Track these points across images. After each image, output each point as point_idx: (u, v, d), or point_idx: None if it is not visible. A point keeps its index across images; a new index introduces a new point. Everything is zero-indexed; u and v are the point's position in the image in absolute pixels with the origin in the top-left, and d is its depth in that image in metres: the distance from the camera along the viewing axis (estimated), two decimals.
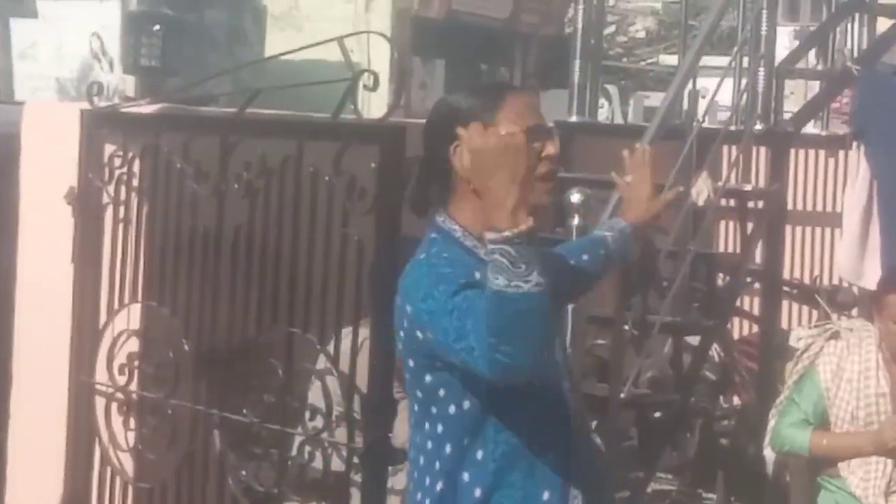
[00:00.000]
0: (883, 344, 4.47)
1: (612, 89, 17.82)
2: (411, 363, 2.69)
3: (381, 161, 3.59)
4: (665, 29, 19.65)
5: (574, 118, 6.37)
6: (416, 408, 2.72)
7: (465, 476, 2.64)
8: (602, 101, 18.04)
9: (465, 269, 2.62)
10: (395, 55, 7.90)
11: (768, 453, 4.80)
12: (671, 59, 15.03)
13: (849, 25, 6.83)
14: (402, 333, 2.69)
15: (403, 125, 3.93)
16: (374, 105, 4.52)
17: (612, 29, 19.81)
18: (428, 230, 2.76)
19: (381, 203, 3.59)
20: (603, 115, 17.85)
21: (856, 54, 6.50)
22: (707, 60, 6.21)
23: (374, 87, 3.70)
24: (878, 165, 5.36)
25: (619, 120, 17.66)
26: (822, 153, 6.71)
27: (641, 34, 21.23)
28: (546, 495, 2.66)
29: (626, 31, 20.77)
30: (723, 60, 6.09)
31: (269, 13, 14.05)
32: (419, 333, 2.62)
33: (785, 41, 9.96)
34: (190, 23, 11.01)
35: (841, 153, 5.93)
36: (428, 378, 2.67)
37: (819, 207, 6.70)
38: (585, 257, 3.18)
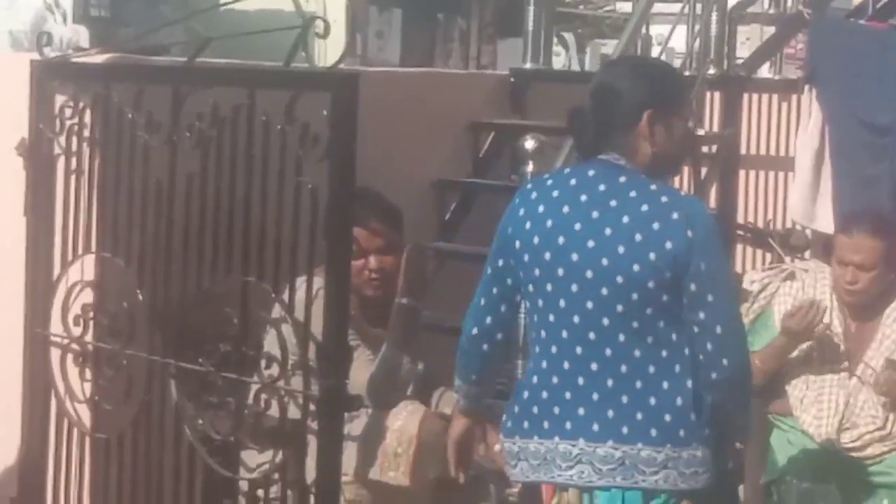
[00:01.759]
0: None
1: (569, 37, 17.81)
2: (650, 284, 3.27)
3: (333, 108, 3.58)
4: None
5: (528, 65, 6.37)
6: (634, 325, 3.29)
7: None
8: (559, 49, 18.04)
9: None
10: (347, 3, 7.87)
11: None
12: (627, 6, 15.03)
13: None
14: (652, 256, 3.27)
15: (356, 72, 3.93)
16: (331, 54, 4.50)
17: None
18: (626, 171, 3.39)
19: (334, 151, 3.58)
20: (560, 62, 17.85)
21: None
22: (661, 7, 6.22)
23: (326, 35, 3.69)
24: (830, 109, 5.39)
25: (575, 67, 17.65)
26: (774, 98, 6.74)
27: None
28: None
29: None
30: (676, 7, 6.09)
31: None
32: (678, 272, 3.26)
33: None
34: None
35: (794, 97, 5.96)
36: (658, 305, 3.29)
37: (772, 151, 6.73)
38: None
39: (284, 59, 3.73)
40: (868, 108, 5.27)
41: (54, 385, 4.24)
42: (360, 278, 4.18)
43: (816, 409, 4.53)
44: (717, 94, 5.96)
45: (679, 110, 3.45)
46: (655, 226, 3.27)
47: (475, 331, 3.57)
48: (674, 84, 3.52)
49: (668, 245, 3.25)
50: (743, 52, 6.82)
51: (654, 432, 3.27)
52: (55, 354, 4.23)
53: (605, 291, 3.29)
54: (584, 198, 3.36)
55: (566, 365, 3.35)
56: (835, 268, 4.55)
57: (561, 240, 3.36)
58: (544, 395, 3.39)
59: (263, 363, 3.75)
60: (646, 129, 3.38)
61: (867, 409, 4.50)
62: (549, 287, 3.37)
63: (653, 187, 3.34)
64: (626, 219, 3.29)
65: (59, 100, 4.23)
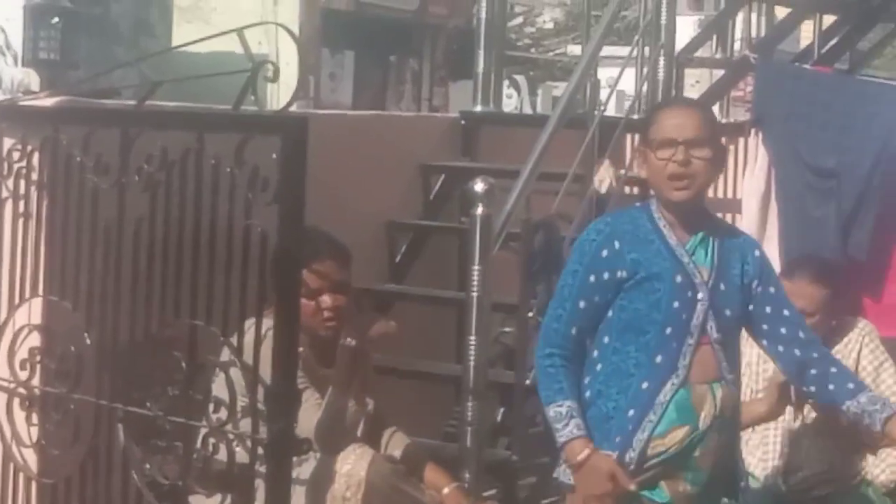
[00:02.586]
0: None
1: (521, 80, 17.92)
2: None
3: (282, 151, 3.58)
4: (573, 19, 19.79)
5: (479, 108, 6.42)
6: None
7: None
8: (511, 91, 18.15)
9: None
10: (298, 47, 7.90)
11: None
12: (578, 50, 15.13)
13: (748, 14, 6.93)
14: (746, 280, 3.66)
15: (305, 115, 3.95)
16: (283, 96, 4.52)
17: (519, 20, 19.91)
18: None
19: (283, 193, 3.58)
20: (512, 105, 17.96)
21: (754, 42, 6.60)
22: (611, 50, 6.29)
23: (275, 79, 3.70)
24: (776, 153, 5.46)
25: (528, 110, 17.77)
26: (722, 141, 6.79)
27: (549, 25, 21.35)
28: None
29: (534, 22, 20.89)
30: (626, 50, 6.15)
31: (176, 5, 13.96)
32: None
33: (690, 30, 10.08)
34: (95, 15, 10.91)
35: (741, 140, 6.02)
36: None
37: (720, 194, 6.79)
38: None
39: (234, 102, 3.73)
40: (814, 151, 5.34)
41: (1, 429, 4.20)
42: (313, 319, 4.18)
43: (762, 452, 4.56)
44: None
45: (651, 140, 3.62)
46: None
47: None
48: (647, 119, 3.80)
49: None
50: (693, 94, 6.89)
51: None
52: (1, 399, 4.18)
53: None
54: None
55: None
56: None
57: None
58: None
59: (212, 407, 3.72)
60: (638, 166, 3.78)
61: (813, 453, 4.53)
62: None
63: None
64: None
65: (7, 143, 4.21)
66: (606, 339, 3.63)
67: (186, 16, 14.01)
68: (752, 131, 5.59)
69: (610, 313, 3.63)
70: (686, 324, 3.57)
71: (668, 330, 3.57)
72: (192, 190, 3.75)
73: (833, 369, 3.70)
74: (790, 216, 5.36)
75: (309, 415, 4.03)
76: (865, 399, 3.63)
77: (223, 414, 3.69)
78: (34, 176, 4.16)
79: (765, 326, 3.69)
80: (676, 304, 3.56)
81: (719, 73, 7.34)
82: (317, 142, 3.67)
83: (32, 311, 4.16)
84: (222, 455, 3.68)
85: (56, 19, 8.49)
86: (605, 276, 3.61)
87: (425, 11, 17.11)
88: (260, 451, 3.62)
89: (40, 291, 4.16)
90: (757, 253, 3.73)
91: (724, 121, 7.11)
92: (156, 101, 4.10)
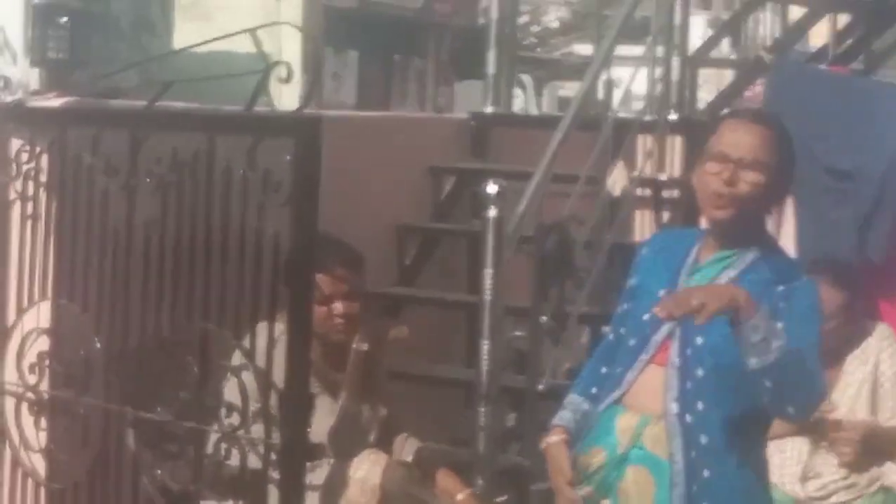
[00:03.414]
0: None
1: (527, 79, 17.89)
2: None
3: (295, 153, 3.54)
4: (578, 19, 19.74)
5: (489, 109, 6.38)
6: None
7: None
8: (517, 91, 18.11)
9: None
10: (309, 46, 7.84)
11: None
12: (585, 49, 15.10)
13: (761, 14, 6.89)
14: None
15: (319, 116, 3.89)
16: (284, 96, 4.47)
17: (525, 19, 19.88)
18: None
19: (296, 196, 3.54)
20: (518, 105, 17.91)
21: (768, 43, 6.56)
22: (622, 50, 6.23)
23: (289, 79, 3.66)
24: None
25: (533, 110, 17.73)
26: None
27: (555, 24, 21.32)
28: None
29: (540, 21, 20.85)
30: (637, 50, 6.10)
31: (177, 2, 13.90)
32: None
33: (700, 29, 10.03)
34: (96, 13, 10.86)
35: None
36: None
37: None
38: None
39: (244, 102, 3.69)
40: (829, 153, 5.28)
41: (9, 434, 4.15)
42: (326, 325, 4.14)
43: (779, 459, 4.51)
44: (678, 139, 5.97)
45: (705, 149, 3.33)
46: None
47: None
48: (710, 127, 3.44)
49: None
50: (701, 94, 6.85)
51: None
52: (10, 403, 4.15)
53: None
54: None
55: None
56: None
57: None
58: None
59: (224, 412, 3.68)
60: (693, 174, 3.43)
61: (831, 458, 4.49)
62: None
63: None
64: None
65: (15, 144, 4.17)
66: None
67: (188, 13, 13.96)
68: None
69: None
70: (647, 338, 3.29)
71: (632, 342, 3.32)
72: (204, 192, 3.71)
73: None
74: (806, 219, 5.30)
75: (322, 420, 4.00)
76: None
77: (235, 419, 3.65)
78: (42, 177, 4.12)
79: None
80: (646, 317, 3.28)
81: (728, 73, 7.29)
82: (326, 144, 3.62)
83: (41, 315, 4.12)
84: (234, 460, 3.64)
85: (65, 18, 8.45)
86: (634, 282, 3.44)
87: (430, 10, 17.05)
88: (273, 456, 3.58)
89: (49, 294, 4.11)
90: (781, 288, 3.19)
91: None
92: (163, 101, 4.05)
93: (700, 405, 3.20)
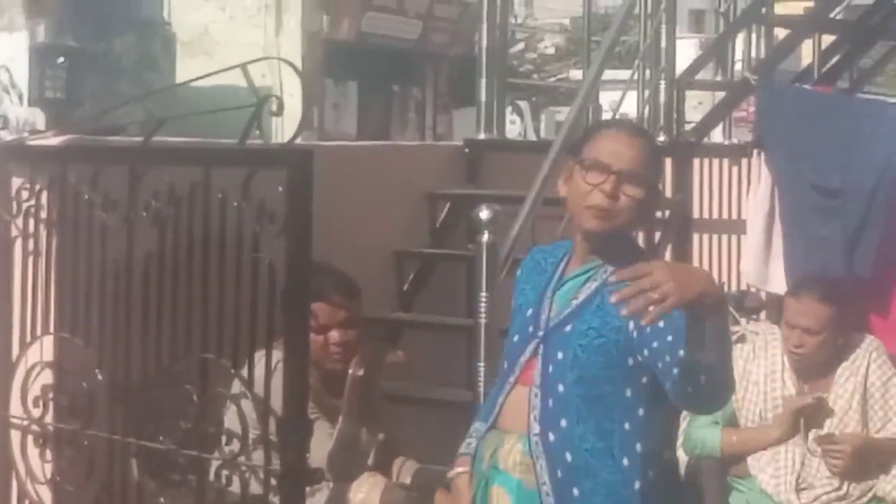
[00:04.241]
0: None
1: (524, 105, 17.99)
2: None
3: (288, 184, 3.62)
4: (574, 44, 19.86)
5: (482, 135, 6.45)
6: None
7: None
8: (514, 117, 18.21)
9: None
10: (301, 80, 7.92)
11: (681, 455, 4.89)
12: (580, 74, 15.18)
13: (747, 36, 6.97)
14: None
15: (310, 147, 3.97)
16: (287, 129, 4.56)
17: (521, 46, 19.99)
18: None
19: (291, 226, 3.62)
20: (516, 130, 18.02)
21: (754, 64, 6.64)
22: (612, 74, 6.32)
23: (280, 113, 3.75)
24: (779, 172, 5.48)
25: (531, 135, 17.81)
26: (725, 162, 6.84)
27: (551, 50, 21.43)
28: None
29: (536, 48, 20.96)
30: (627, 74, 6.19)
31: (179, 40, 14.02)
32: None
33: (690, 53, 10.11)
34: (99, 51, 10.94)
35: (743, 161, 6.05)
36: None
37: (724, 215, 6.81)
38: None
39: (239, 136, 3.77)
40: (817, 170, 5.35)
41: (15, 467, 4.22)
42: (322, 353, 4.21)
43: (773, 469, 4.58)
44: (667, 160, 6.03)
45: (576, 161, 3.16)
46: None
47: None
48: (583, 135, 3.32)
49: None
50: (696, 116, 6.93)
51: None
52: (15, 436, 4.21)
53: None
54: None
55: None
56: (783, 329, 4.62)
57: None
58: None
59: (224, 439, 3.75)
60: (560, 183, 3.24)
61: (824, 470, 4.54)
62: None
63: None
64: None
65: (16, 182, 4.25)
66: None
67: (190, 50, 14.07)
68: (755, 152, 5.61)
69: None
70: (517, 360, 3.20)
71: (505, 364, 3.24)
72: (200, 224, 3.79)
73: None
74: (795, 236, 5.37)
75: (321, 444, 4.05)
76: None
77: (235, 446, 3.72)
78: (43, 214, 4.19)
79: (659, 365, 3.01)
80: (516, 338, 3.22)
81: (721, 94, 7.37)
82: (323, 173, 3.70)
83: (44, 349, 4.19)
84: (236, 487, 3.70)
85: (62, 59, 8.55)
86: (513, 305, 3.32)
87: (426, 40, 17.17)
88: (273, 481, 3.65)
89: (52, 328, 4.19)
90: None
91: (727, 142, 7.16)
92: (162, 137, 4.14)
93: (563, 422, 3.10)
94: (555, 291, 3.20)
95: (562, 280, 3.21)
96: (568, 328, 3.13)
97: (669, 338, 2.97)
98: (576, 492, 3.09)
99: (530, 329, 3.18)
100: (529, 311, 3.21)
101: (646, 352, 3.03)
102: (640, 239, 5.64)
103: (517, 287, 3.33)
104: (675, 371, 2.94)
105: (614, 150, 3.12)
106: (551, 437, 3.10)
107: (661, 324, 2.95)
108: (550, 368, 3.13)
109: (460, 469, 3.34)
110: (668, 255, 5.79)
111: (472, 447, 3.30)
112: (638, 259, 3.03)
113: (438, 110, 17.49)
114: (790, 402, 4.52)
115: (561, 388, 3.11)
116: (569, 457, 3.09)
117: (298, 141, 3.95)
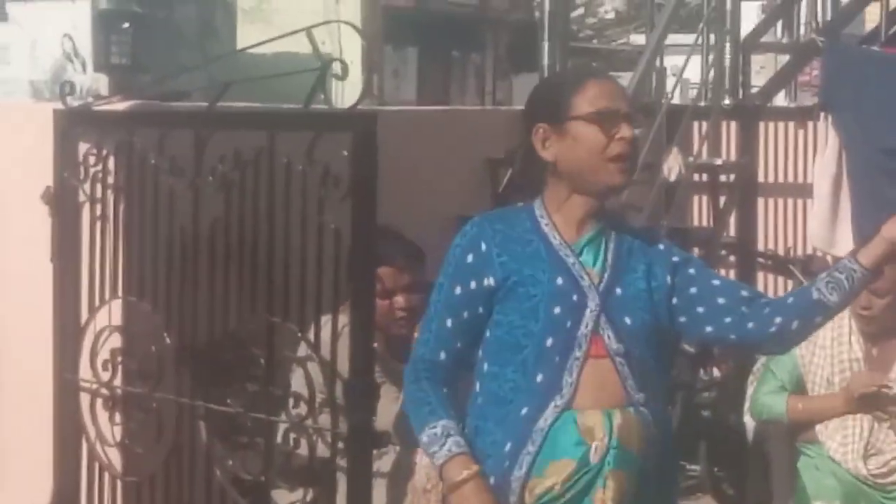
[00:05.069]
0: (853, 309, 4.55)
1: None
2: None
3: (353, 148, 3.62)
4: (633, 9, 19.71)
5: None
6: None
7: None
8: None
9: None
10: (363, 45, 7.94)
11: (748, 421, 4.87)
12: (641, 39, 15.07)
13: None
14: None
15: (375, 112, 3.98)
16: (347, 94, 4.56)
17: (580, 11, 19.88)
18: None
19: (355, 190, 3.62)
20: None
21: (821, 26, 6.56)
22: (675, 38, 6.27)
23: (344, 77, 3.74)
24: (846, 135, 5.43)
25: None
26: (790, 125, 6.77)
27: (611, 15, 21.30)
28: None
29: (595, 13, 20.84)
30: (691, 38, 6.13)
31: (239, 7, 14.06)
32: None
33: (753, 16, 10.01)
34: (160, 19, 11.02)
35: (809, 124, 5.99)
36: None
37: (790, 178, 6.75)
38: None
39: (303, 100, 3.78)
40: (884, 132, 5.30)
41: (85, 430, 4.27)
42: (387, 318, 4.21)
43: (841, 436, 4.54)
44: (732, 124, 5.99)
45: (572, 117, 2.98)
46: None
47: None
48: (559, 91, 3.06)
49: None
50: (758, 80, 6.86)
51: None
52: (85, 399, 4.26)
53: None
54: None
55: None
56: None
57: None
58: None
59: (291, 402, 3.77)
60: (541, 148, 3.02)
61: (892, 436, 4.50)
62: None
63: None
64: None
65: (83, 147, 4.28)
66: (486, 366, 3.04)
67: (250, 17, 14.11)
68: (822, 115, 5.56)
69: (487, 333, 3.04)
70: (571, 333, 2.96)
71: (549, 341, 2.96)
72: (266, 189, 3.80)
73: (787, 298, 3.12)
74: (863, 198, 5.32)
75: (387, 408, 4.06)
76: (824, 275, 3.05)
77: (303, 409, 3.74)
78: (110, 179, 4.23)
79: (700, 310, 3.03)
80: (558, 310, 2.96)
81: (784, 58, 7.29)
82: (385, 138, 3.70)
83: (112, 313, 4.23)
84: (303, 449, 3.72)
85: (126, 24, 8.60)
86: (472, 285, 3.02)
87: (486, 5, 17.10)
88: (340, 444, 3.66)
89: (119, 293, 4.22)
90: (661, 246, 3.08)
91: (791, 105, 7.09)
92: (226, 102, 4.15)
93: (649, 388, 3.03)
94: (577, 258, 3.02)
95: (570, 247, 3.02)
96: (619, 291, 3.01)
97: (715, 282, 3.09)
98: (658, 458, 3.03)
99: (574, 298, 2.97)
100: (560, 281, 2.98)
101: (701, 308, 3.04)
102: (707, 204, 5.62)
103: (483, 261, 3.03)
104: (768, 311, 3.01)
105: (614, 92, 2.98)
106: (650, 404, 3.01)
107: (715, 282, 3.07)
108: (626, 334, 3.00)
109: (468, 472, 2.99)
110: (733, 219, 5.76)
111: (463, 445, 3.01)
112: (624, 216, 3.14)
113: (498, 76, 17.42)
114: (857, 380, 4.46)
115: (637, 352, 3.01)
116: (652, 425, 3.02)
117: (361, 106, 3.95)
